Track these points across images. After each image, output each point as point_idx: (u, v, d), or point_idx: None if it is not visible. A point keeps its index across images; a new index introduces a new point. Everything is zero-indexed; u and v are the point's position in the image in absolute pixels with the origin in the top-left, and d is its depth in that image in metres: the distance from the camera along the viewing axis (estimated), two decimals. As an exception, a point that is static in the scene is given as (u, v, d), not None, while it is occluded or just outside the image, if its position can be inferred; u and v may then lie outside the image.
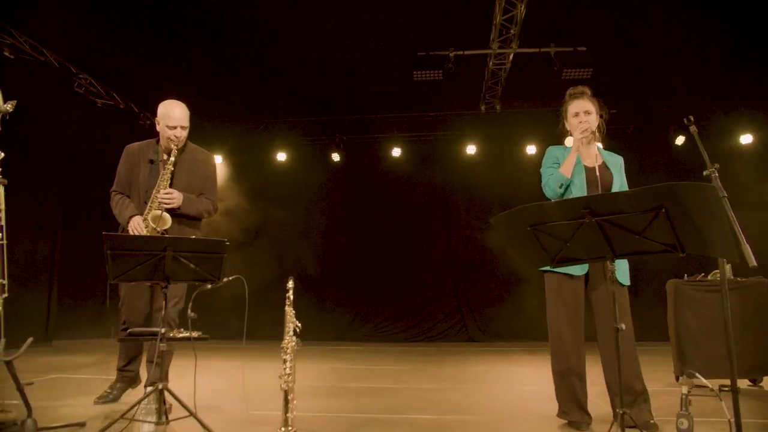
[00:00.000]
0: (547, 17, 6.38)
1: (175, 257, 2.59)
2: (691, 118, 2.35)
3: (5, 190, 2.94)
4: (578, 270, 2.90)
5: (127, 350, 3.51)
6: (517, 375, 5.27)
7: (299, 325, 2.83)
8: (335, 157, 9.20)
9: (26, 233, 7.39)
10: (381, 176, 9.22)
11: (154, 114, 3.53)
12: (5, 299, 2.78)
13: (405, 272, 8.84)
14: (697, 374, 2.76)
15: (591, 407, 2.91)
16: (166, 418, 2.86)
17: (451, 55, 6.94)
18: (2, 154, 2.94)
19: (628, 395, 2.81)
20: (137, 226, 3.30)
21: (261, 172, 9.32)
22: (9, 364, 2.51)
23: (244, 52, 7.14)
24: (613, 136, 8.35)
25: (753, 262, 1.93)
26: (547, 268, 3.00)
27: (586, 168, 3.04)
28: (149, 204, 3.32)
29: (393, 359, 6.52)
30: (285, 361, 2.76)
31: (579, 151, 2.98)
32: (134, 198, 3.44)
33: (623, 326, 1.94)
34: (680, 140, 8.44)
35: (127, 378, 3.53)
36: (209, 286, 2.86)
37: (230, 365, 5.64)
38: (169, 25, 6.59)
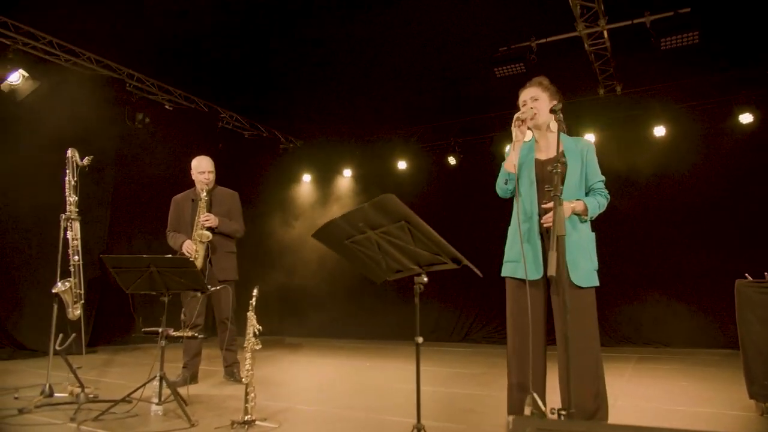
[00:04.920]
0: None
1: (160, 272, 3.25)
2: (558, 106, 2.14)
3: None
4: (533, 273, 2.72)
5: (189, 349, 4.37)
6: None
7: (260, 328, 3.26)
8: (451, 160, 9.30)
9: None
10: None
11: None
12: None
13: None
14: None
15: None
16: (182, 400, 3.55)
17: (533, 45, 6.59)
18: (76, 198, 3.98)
19: (581, 415, 2.60)
20: (189, 246, 4.30)
21: (384, 181, 9.88)
22: (60, 353, 3.44)
23: (357, 69, 7.65)
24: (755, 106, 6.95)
25: (552, 271, 1.76)
26: (507, 273, 2.93)
27: (537, 162, 2.86)
28: (195, 227, 4.35)
29: (485, 362, 6.45)
30: (246, 359, 3.21)
31: (520, 142, 2.78)
32: (184, 231, 4.45)
33: (420, 339, 1.94)
34: None
35: (188, 370, 4.36)
36: (199, 294, 3.48)
37: (320, 362, 6.29)
38: (293, 54, 7.34)
